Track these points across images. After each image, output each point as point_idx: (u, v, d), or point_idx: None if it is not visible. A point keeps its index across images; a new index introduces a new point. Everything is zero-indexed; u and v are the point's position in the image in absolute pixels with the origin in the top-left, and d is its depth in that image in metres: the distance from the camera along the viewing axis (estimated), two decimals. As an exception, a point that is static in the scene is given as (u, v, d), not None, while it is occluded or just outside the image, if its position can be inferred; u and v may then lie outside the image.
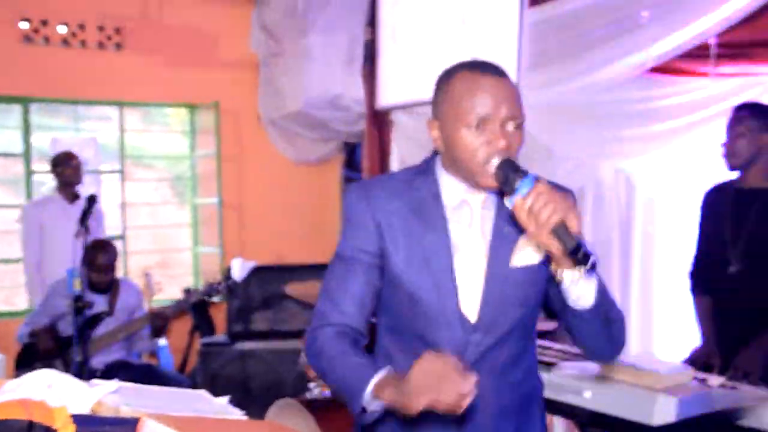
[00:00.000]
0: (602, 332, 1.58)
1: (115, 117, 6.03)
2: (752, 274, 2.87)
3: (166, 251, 6.51)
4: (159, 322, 4.18)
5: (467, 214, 1.62)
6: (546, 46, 4.08)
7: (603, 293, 1.53)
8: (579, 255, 1.38)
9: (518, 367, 1.67)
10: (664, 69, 3.63)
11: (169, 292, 5.77)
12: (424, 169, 1.67)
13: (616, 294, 4.16)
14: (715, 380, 2.45)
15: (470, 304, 1.59)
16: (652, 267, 4.09)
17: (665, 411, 2.16)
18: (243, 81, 6.24)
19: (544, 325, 4.00)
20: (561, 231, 1.38)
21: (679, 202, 3.86)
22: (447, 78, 1.61)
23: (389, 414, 1.48)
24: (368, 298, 1.64)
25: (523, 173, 1.44)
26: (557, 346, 2.88)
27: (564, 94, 4.02)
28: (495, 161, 1.49)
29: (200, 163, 6.30)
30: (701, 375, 2.53)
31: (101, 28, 5.71)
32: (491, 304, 1.59)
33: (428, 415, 1.39)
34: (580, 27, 3.86)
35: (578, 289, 1.49)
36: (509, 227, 1.58)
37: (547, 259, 1.52)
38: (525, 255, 1.59)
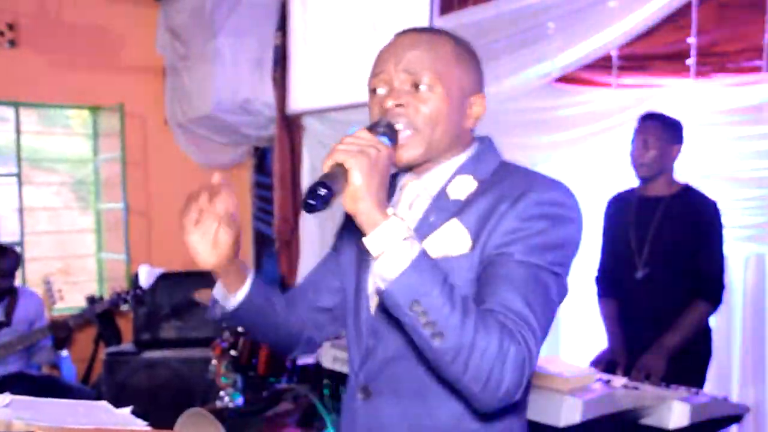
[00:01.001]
0: (427, 348, 1.14)
1: (10, 117, 5.76)
2: (657, 278, 2.98)
3: (69, 258, 6.27)
4: (62, 333, 4.01)
5: (399, 202, 1.41)
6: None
7: (426, 282, 1.12)
8: (312, 188, 1.11)
9: (434, 405, 1.31)
10: (568, 79, 3.73)
11: (72, 299, 5.56)
12: None
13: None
14: (618, 381, 2.54)
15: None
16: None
17: (571, 412, 2.22)
18: (149, 83, 6.09)
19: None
20: (332, 172, 1.14)
21: (582, 209, 3.96)
22: None
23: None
24: (325, 286, 1.55)
25: (373, 128, 1.23)
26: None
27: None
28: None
29: (104, 167, 6.10)
30: (605, 376, 2.61)
31: (-6, 24, 5.45)
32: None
33: None
34: (488, 36, 3.93)
35: (382, 264, 1.14)
36: (436, 216, 1.33)
37: (481, 260, 1.26)
38: (441, 243, 1.29)
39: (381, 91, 1.35)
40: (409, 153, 1.32)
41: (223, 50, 5.47)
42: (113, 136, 5.84)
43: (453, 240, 1.29)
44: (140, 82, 6.04)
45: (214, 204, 1.34)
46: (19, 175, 5.76)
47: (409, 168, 1.38)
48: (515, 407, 1.29)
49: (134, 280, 4.55)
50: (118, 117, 5.74)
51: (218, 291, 1.47)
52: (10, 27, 5.49)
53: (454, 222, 1.30)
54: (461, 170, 1.37)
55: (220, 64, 5.48)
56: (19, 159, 5.76)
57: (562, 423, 2.22)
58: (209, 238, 1.35)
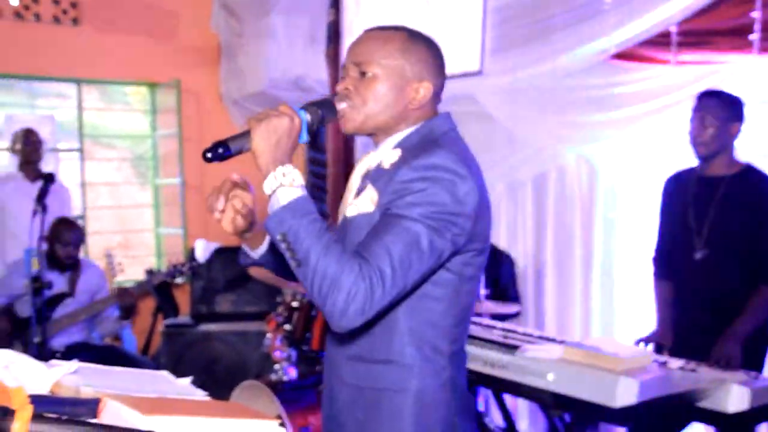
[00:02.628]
0: (296, 271, 1.45)
1: (73, 94, 5.90)
2: (716, 260, 2.92)
3: (128, 232, 6.42)
4: (127, 299, 4.14)
5: (352, 174, 1.73)
6: (509, 30, 4.09)
7: (294, 220, 1.43)
8: (213, 145, 1.51)
9: (359, 337, 1.59)
10: (625, 56, 3.66)
11: (131, 273, 5.70)
12: None
13: (577, 280, 4.23)
14: (674, 363, 2.51)
15: None
16: (614, 253, 4.14)
17: (627, 393, 2.20)
18: (205, 60, 6.16)
19: (506, 308, 4.05)
20: (239, 134, 1.51)
21: (640, 189, 3.90)
22: None
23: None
24: None
25: (314, 103, 1.59)
26: (520, 329, 2.92)
27: (527, 79, 4.03)
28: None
29: (162, 143, 6.21)
30: (661, 358, 2.58)
31: (56, 2, 5.57)
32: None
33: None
34: (544, 12, 3.88)
35: (270, 204, 1.47)
36: (369, 182, 1.61)
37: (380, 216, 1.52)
38: (359, 204, 1.60)
39: (340, 78, 1.66)
40: (348, 123, 1.62)
41: (276, 27, 5.50)
42: (170, 113, 5.94)
43: (365, 201, 1.58)
44: (196, 59, 6.11)
45: (233, 198, 1.64)
46: (81, 151, 5.91)
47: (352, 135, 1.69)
48: (415, 342, 1.57)
49: (191, 254, 4.64)
50: (175, 93, 5.83)
51: (245, 245, 1.76)
52: (73, 5, 5.61)
53: (369, 186, 1.58)
54: (398, 144, 1.63)
55: (274, 41, 5.51)
56: (81, 135, 5.90)
57: (618, 404, 2.20)
58: (228, 220, 1.64)
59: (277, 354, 3.64)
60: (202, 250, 4.45)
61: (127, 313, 4.22)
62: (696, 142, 2.96)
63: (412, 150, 1.56)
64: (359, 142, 5.38)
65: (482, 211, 1.55)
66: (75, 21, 5.63)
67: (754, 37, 3.13)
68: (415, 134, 1.63)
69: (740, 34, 3.20)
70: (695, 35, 3.42)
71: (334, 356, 1.68)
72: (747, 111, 2.97)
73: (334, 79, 5.41)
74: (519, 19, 4.03)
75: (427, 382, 1.58)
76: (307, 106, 1.58)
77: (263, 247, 1.72)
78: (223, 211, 1.63)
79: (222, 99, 6.24)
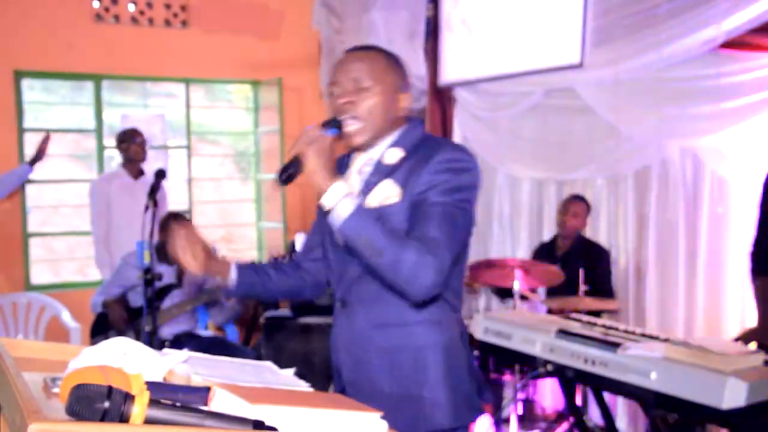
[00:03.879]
0: (372, 263, 1.72)
1: (181, 94, 6.14)
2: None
3: (231, 226, 6.63)
4: None
5: (350, 172, 1.94)
6: (612, 21, 3.99)
7: (363, 224, 1.70)
8: (282, 169, 1.73)
9: (387, 306, 1.85)
10: (734, 44, 3.52)
11: (234, 266, 5.87)
12: None
13: (681, 277, 4.10)
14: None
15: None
16: (722, 248, 3.99)
17: (735, 395, 2.13)
18: (306, 57, 6.28)
19: (605, 304, 3.97)
20: (293, 160, 1.73)
21: (750, 182, 3.74)
22: None
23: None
24: (311, 245, 2.20)
25: (325, 124, 1.81)
26: (622, 326, 2.85)
27: (629, 71, 3.93)
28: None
29: (263, 139, 6.38)
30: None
31: (168, 6, 5.81)
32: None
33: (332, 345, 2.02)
34: (648, 2, 3.77)
35: (334, 214, 1.72)
36: (377, 177, 1.86)
37: (409, 205, 1.79)
38: (378, 196, 1.83)
39: (335, 94, 1.88)
40: (357, 139, 1.86)
41: (376, 23, 5.55)
42: (272, 110, 6.10)
43: (388, 193, 1.83)
44: (297, 56, 6.25)
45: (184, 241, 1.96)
46: (188, 147, 6.14)
47: (359, 148, 1.91)
48: (440, 303, 1.85)
49: (291, 247, 4.75)
50: (276, 91, 5.98)
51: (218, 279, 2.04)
52: (183, 9, 5.83)
53: (388, 181, 1.84)
54: (393, 144, 1.90)
55: (374, 37, 5.56)
56: (188, 132, 6.13)
57: (725, 405, 2.13)
58: (188, 257, 1.94)
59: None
60: (302, 244, 4.55)
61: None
62: None
63: (418, 148, 1.86)
64: (458, 134, 5.37)
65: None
66: (184, 23, 5.85)
67: None
68: (406, 136, 1.91)
69: None
70: (810, 22, 3.25)
71: (355, 329, 1.91)
72: None
73: (433, 73, 5.42)
74: (622, 10, 3.93)
75: (450, 335, 1.89)
76: (328, 126, 1.82)
77: (233, 275, 2.01)
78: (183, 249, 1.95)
79: (322, 95, 6.35)
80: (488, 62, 4.85)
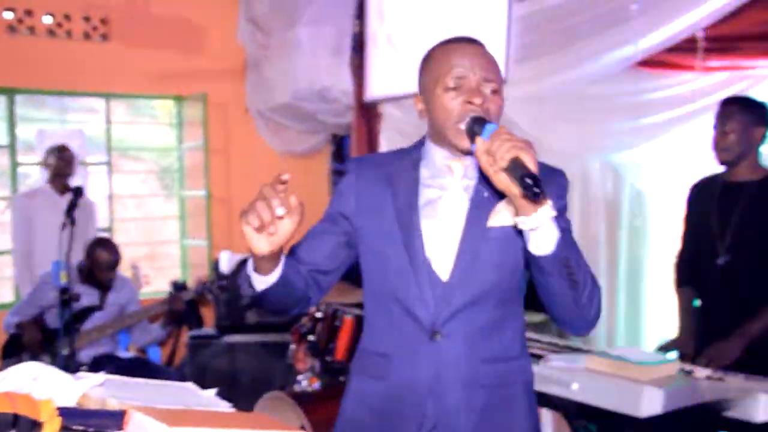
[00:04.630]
0: (568, 293, 1.52)
1: (101, 109, 5.99)
2: (738, 266, 2.89)
3: (154, 244, 6.49)
4: (179, 305, 4.21)
5: (448, 180, 1.68)
6: (534, 38, 4.08)
7: (566, 247, 1.50)
8: (526, 185, 1.38)
9: (494, 339, 1.65)
10: (652, 62, 3.64)
11: (157, 284, 5.75)
12: (416, 143, 1.77)
13: (603, 287, 4.18)
14: (701, 372, 2.48)
15: (443, 262, 1.63)
16: (641, 260, 4.10)
17: (652, 403, 2.18)
18: (230, 73, 6.22)
19: (532, 317, 4.02)
20: (514, 166, 1.40)
21: (668, 196, 3.86)
22: (427, 54, 1.74)
23: (369, 396, 1.70)
24: (329, 253, 1.73)
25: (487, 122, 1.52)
26: (545, 338, 2.90)
27: (552, 86, 4.02)
28: (468, 119, 1.56)
29: (187, 156, 6.28)
30: (687, 366, 2.55)
31: (87, 19, 5.66)
32: (464, 262, 1.62)
33: (401, 384, 1.65)
34: (569, 20, 3.86)
35: (538, 237, 1.47)
36: (489, 191, 1.61)
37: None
38: (502, 217, 1.61)
39: (459, 88, 1.61)
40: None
41: (302, 39, 5.54)
42: (196, 125, 6.01)
43: (506, 213, 1.59)
44: (222, 71, 6.17)
45: (286, 196, 1.43)
46: (109, 164, 5.98)
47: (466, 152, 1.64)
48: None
49: (215, 265, 4.68)
50: (201, 106, 5.90)
51: (251, 271, 1.57)
52: (103, 22, 5.70)
53: (503, 203, 1.59)
54: None
55: (300, 53, 5.55)
56: (109, 148, 5.98)
57: (643, 413, 2.18)
58: (266, 238, 1.45)
59: (300, 365, 3.65)
60: (227, 262, 4.49)
61: (174, 319, 4.29)
62: (718, 148, 2.93)
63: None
64: (384, 150, 5.39)
65: None
66: (104, 37, 5.72)
67: (781, 42, 3.10)
68: None
69: (767, 40, 3.17)
70: (722, 41, 3.38)
71: (457, 362, 1.63)
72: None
73: (359, 89, 5.43)
74: (544, 27, 4.02)
75: (530, 371, 1.74)
76: (477, 124, 1.54)
77: (276, 273, 1.56)
78: (280, 218, 1.42)
79: (248, 111, 6.29)
80: (414, 78, 4.87)
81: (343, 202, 1.76)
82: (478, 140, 1.48)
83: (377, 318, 1.73)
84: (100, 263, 4.12)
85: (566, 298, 1.53)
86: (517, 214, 1.47)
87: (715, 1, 3.24)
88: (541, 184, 1.37)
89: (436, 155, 1.70)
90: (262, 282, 1.57)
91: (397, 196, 1.68)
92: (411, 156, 1.74)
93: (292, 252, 1.74)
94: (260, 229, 1.41)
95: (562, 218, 1.56)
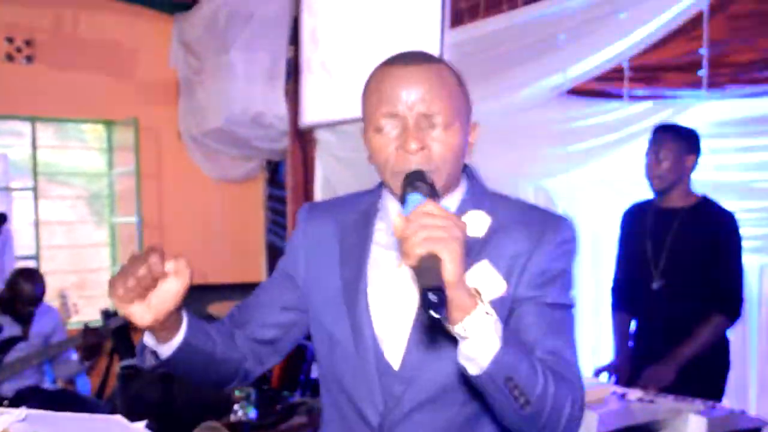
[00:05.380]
0: (517, 413, 1.15)
1: (27, 132, 5.82)
2: (673, 290, 2.96)
3: (83, 272, 6.31)
4: (92, 339, 4.05)
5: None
6: (467, 65, 4.13)
7: (516, 357, 1.13)
8: (424, 302, 1.05)
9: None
10: (580, 90, 3.73)
11: (87, 313, 5.59)
12: (379, 183, 1.40)
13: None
14: (633, 394, 2.52)
15: (395, 347, 1.29)
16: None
17: (587, 425, 2.20)
18: (163, 97, 6.13)
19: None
20: (421, 268, 1.06)
21: (599, 221, 3.94)
22: (366, 81, 1.37)
23: None
24: (270, 317, 1.44)
25: (418, 188, 1.19)
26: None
27: (484, 114, 4.06)
28: (407, 171, 1.24)
29: (119, 181, 6.14)
30: (620, 389, 2.59)
31: (10, 40, 5.52)
32: (418, 349, 1.27)
33: None
34: (499, 48, 3.93)
35: (467, 348, 1.11)
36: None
37: (504, 301, 1.25)
38: (477, 284, 1.18)
39: (391, 129, 1.27)
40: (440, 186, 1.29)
41: (236, 64, 5.51)
42: (128, 150, 5.89)
43: (487, 282, 1.24)
44: (154, 95, 6.08)
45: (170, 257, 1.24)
46: (35, 189, 5.81)
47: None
48: None
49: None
50: (132, 131, 5.79)
51: (149, 340, 1.32)
52: (28, 43, 5.56)
53: (485, 263, 1.27)
54: (467, 204, 1.34)
55: (233, 78, 5.52)
56: (35, 173, 5.81)
57: (577, 436, 2.20)
58: (145, 308, 1.22)
59: (236, 393, 3.58)
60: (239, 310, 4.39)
61: (90, 354, 4.13)
62: (651, 176, 3.01)
63: (497, 211, 1.33)
64: (320, 176, 5.38)
65: None
66: (29, 59, 5.57)
67: (702, 72, 3.21)
68: (472, 190, 1.37)
69: (690, 69, 3.29)
70: (646, 71, 3.49)
71: None
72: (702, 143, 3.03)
73: (294, 115, 5.42)
74: (476, 56, 4.08)
75: None
76: (423, 191, 1.20)
77: (177, 339, 1.30)
78: (151, 282, 1.21)
79: (180, 136, 6.21)
80: (349, 104, 4.89)
81: (290, 261, 1.45)
82: (395, 217, 1.10)
83: (326, 407, 1.42)
84: (21, 295, 3.98)
85: (513, 418, 1.18)
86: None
87: (639, 32, 3.35)
88: (445, 304, 1.06)
89: (389, 206, 1.36)
90: (163, 349, 1.30)
91: (346, 260, 1.35)
92: (368, 203, 1.40)
93: (233, 312, 1.47)
94: (125, 297, 1.19)
95: (550, 289, 1.26)
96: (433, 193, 1.21)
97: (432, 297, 1.04)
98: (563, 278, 1.28)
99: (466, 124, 1.33)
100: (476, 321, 1.09)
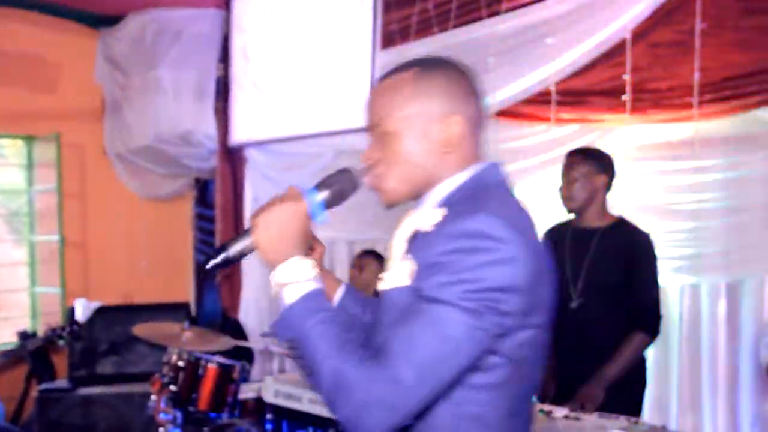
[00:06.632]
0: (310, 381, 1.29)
1: (-58, 147, 5.59)
2: (591, 309, 3.02)
3: (1, 292, 6.07)
4: None
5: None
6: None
7: (289, 322, 1.28)
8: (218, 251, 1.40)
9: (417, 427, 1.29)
10: (508, 113, 3.80)
11: (3, 335, 5.38)
12: None
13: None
14: (559, 412, 2.56)
15: None
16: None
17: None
18: (87, 113, 5.97)
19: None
20: (238, 237, 1.41)
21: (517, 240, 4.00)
22: None
23: None
24: None
25: (319, 186, 1.43)
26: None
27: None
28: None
29: (39, 198, 5.94)
30: (546, 407, 2.63)
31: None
32: (376, 330, 1.40)
33: None
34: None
35: (284, 299, 1.32)
36: (408, 249, 1.34)
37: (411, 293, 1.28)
38: (391, 276, 1.34)
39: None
40: (385, 197, 1.42)
41: (164, 81, 5.42)
42: (49, 167, 5.71)
43: (400, 273, 1.31)
44: (78, 111, 5.93)
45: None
46: (-51, 207, 5.58)
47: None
48: None
49: (70, 314, 4.43)
50: (54, 147, 5.62)
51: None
52: (-57, 54, 5.35)
53: (409, 255, 1.31)
54: (444, 201, 1.36)
55: (161, 95, 5.43)
56: (-51, 189, 5.58)
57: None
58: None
59: (162, 416, 3.49)
60: (83, 310, 4.26)
61: None
62: (564, 197, 3.10)
63: (456, 209, 1.30)
64: (249, 195, 5.33)
65: (538, 278, 1.30)
66: (-56, 70, 5.36)
67: (626, 97, 3.31)
68: (461, 188, 1.37)
69: (614, 95, 3.39)
70: (573, 95, 3.58)
71: None
72: (617, 165, 3.11)
73: (224, 133, 5.36)
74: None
75: None
76: (322, 183, 1.43)
77: (340, 293, 1.58)
78: None
79: (106, 153, 6.06)
80: (279, 123, 4.87)
81: None
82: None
83: None
84: None
85: (315, 387, 1.28)
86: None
87: (565, 58, 3.44)
88: (223, 258, 1.38)
89: None
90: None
91: None
92: None
93: None
94: None
95: (427, 281, 1.24)
96: (344, 186, 1.43)
97: (219, 254, 1.39)
98: (446, 271, 1.21)
99: (424, 126, 1.37)
100: (274, 282, 1.32)
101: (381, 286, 1.36)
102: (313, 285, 1.31)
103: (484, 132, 1.45)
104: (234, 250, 1.39)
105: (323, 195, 1.41)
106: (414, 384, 1.19)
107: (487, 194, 1.33)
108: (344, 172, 1.44)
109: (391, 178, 1.38)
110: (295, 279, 1.30)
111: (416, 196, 1.40)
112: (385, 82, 1.42)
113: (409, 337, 1.20)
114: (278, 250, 1.32)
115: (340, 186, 1.43)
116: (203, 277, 6.16)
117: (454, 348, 1.20)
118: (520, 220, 1.33)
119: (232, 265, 1.42)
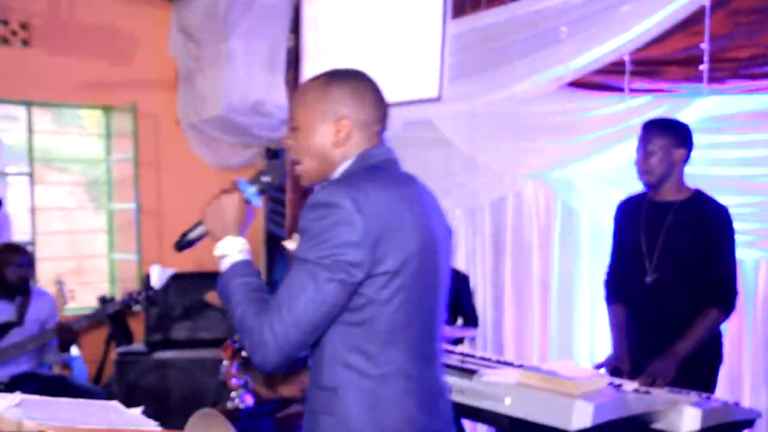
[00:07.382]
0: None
1: (22, 117, 5.79)
2: (666, 283, 2.96)
3: (81, 258, 6.30)
4: (66, 336, 4.02)
5: None
6: (468, 57, 4.13)
7: (222, 282, 1.68)
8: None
9: (312, 365, 1.70)
10: (581, 83, 3.72)
11: (84, 299, 5.59)
12: None
13: (536, 304, 4.25)
14: (629, 385, 2.53)
15: None
16: (573, 277, 4.17)
17: (582, 416, 2.21)
18: (161, 83, 6.10)
19: (463, 332, 4.04)
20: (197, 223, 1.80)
21: (600, 214, 3.94)
22: None
23: None
24: None
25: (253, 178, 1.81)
26: (478, 353, 2.91)
27: (485, 105, 4.07)
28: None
29: (117, 168, 6.13)
30: (616, 380, 2.60)
31: (5, 23, 5.47)
32: None
33: None
34: (501, 40, 3.93)
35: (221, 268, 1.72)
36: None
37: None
38: (290, 244, 1.76)
39: None
40: (302, 179, 1.81)
41: (236, 52, 5.48)
42: (126, 137, 5.87)
43: (295, 239, 1.69)
44: (153, 82, 6.06)
45: None
46: (31, 175, 5.79)
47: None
48: (334, 368, 1.63)
49: (146, 280, 4.57)
50: (130, 117, 5.77)
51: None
52: (23, 26, 5.52)
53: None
54: (328, 182, 1.73)
55: (233, 66, 5.49)
56: (31, 158, 5.78)
57: (573, 427, 2.21)
58: None
59: (233, 381, 3.58)
60: (158, 276, 4.39)
61: (65, 347, 4.09)
62: (641, 171, 3.00)
63: (324, 186, 1.68)
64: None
65: (386, 233, 1.59)
66: (25, 42, 5.54)
67: (703, 67, 3.20)
68: (347, 170, 1.74)
69: (690, 64, 3.28)
70: (647, 64, 3.49)
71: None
72: (697, 138, 3.02)
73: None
74: (477, 47, 4.07)
75: (353, 405, 1.62)
76: (255, 177, 1.81)
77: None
78: None
79: (179, 123, 6.19)
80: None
81: None
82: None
83: None
84: (11, 263, 3.97)
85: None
86: None
87: (641, 26, 3.35)
88: (184, 241, 1.80)
89: None
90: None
91: None
92: None
93: None
94: None
95: (299, 245, 1.61)
96: (273, 177, 1.83)
97: (184, 239, 1.82)
98: (306, 236, 1.59)
99: (324, 125, 1.73)
100: (221, 248, 1.71)
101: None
102: (242, 256, 1.70)
103: (379, 127, 1.80)
104: (194, 233, 1.80)
105: (255, 187, 1.79)
106: (290, 327, 1.55)
107: (360, 172, 1.69)
108: (273, 163, 1.82)
109: (304, 163, 1.77)
110: (229, 252, 1.69)
111: (324, 177, 1.77)
112: (303, 86, 1.81)
113: (287, 291, 1.57)
114: (219, 230, 1.71)
115: (269, 176, 1.81)
116: (274, 246, 6.27)
117: (318, 297, 1.56)
118: (376, 188, 1.62)
119: (195, 244, 1.81)
